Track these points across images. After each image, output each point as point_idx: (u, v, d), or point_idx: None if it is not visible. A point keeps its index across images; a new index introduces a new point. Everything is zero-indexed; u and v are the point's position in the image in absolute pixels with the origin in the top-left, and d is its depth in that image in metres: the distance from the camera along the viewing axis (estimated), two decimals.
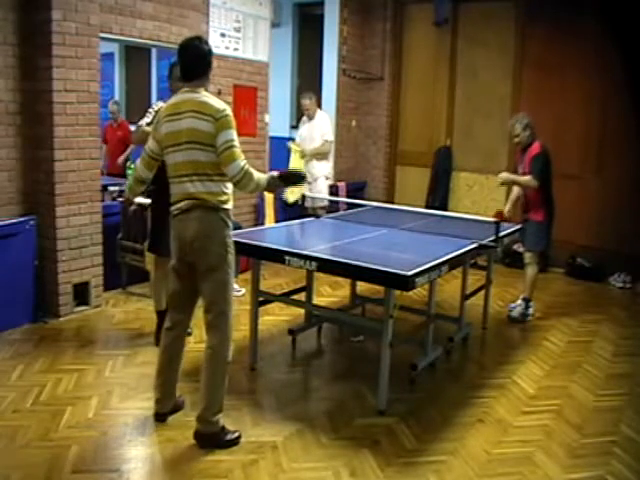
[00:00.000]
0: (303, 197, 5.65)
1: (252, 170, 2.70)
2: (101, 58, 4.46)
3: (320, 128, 5.91)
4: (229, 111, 2.66)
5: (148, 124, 3.64)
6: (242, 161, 2.65)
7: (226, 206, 2.73)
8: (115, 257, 4.88)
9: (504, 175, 4.73)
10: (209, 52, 2.76)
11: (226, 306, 2.75)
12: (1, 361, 3.57)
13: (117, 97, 8.34)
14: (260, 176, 2.76)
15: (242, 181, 2.67)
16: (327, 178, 6.06)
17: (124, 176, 6.17)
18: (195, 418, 2.77)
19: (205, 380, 2.76)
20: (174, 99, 2.77)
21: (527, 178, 4.53)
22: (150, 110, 3.76)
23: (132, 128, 7.72)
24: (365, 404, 3.26)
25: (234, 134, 2.65)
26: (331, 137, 5.98)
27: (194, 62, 2.73)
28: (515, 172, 4.89)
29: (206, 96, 2.69)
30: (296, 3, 7.93)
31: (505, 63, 6.60)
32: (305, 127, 6.01)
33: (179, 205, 2.72)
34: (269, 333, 4.21)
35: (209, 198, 2.67)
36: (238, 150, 2.65)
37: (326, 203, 5.77)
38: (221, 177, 2.69)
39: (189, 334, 3.74)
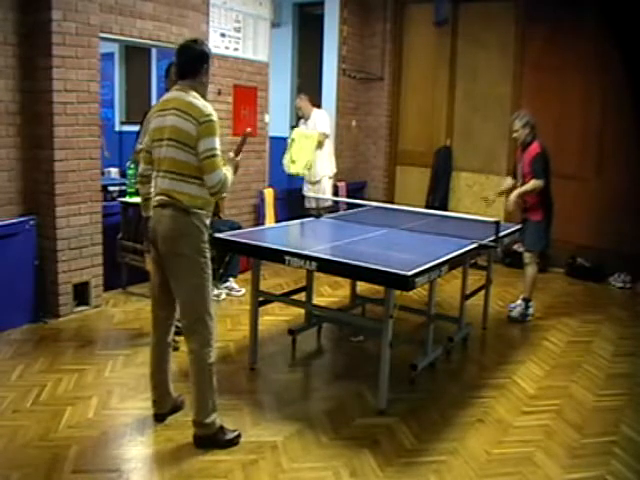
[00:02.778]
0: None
1: (227, 174, 2.68)
2: (101, 58, 4.46)
3: (315, 125, 5.92)
4: (214, 117, 2.62)
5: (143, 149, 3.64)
6: (222, 171, 2.62)
7: (201, 211, 2.68)
8: (115, 257, 4.88)
9: (512, 198, 4.65)
10: (204, 54, 2.75)
11: (203, 311, 2.72)
12: (1, 361, 3.58)
13: (117, 97, 8.34)
14: (230, 174, 2.73)
15: (218, 192, 2.65)
16: (330, 178, 6.07)
17: (102, 174, 6.17)
18: (191, 422, 2.77)
19: (192, 385, 2.76)
20: (165, 96, 2.79)
21: (532, 183, 4.52)
22: (145, 129, 3.71)
23: (125, 129, 7.76)
24: (365, 404, 3.26)
25: (217, 141, 2.62)
26: (325, 129, 5.95)
27: (187, 62, 2.73)
28: (514, 171, 4.89)
29: (194, 97, 2.66)
30: (296, 3, 7.93)
31: (505, 63, 6.60)
32: (302, 128, 6.04)
33: (157, 198, 2.73)
34: (269, 333, 4.21)
35: (181, 199, 2.64)
36: (219, 159, 2.63)
37: (330, 203, 5.78)
38: (197, 180, 2.65)
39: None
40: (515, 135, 4.66)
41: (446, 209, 6.71)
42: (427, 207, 6.54)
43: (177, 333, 3.09)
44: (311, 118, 5.96)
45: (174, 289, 2.75)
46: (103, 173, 6.28)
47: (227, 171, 2.71)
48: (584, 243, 6.15)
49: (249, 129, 3.23)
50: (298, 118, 6.38)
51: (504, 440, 2.95)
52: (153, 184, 2.81)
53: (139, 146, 3.71)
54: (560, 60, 6.21)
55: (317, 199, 5.73)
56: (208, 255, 2.76)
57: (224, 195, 2.78)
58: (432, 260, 3.10)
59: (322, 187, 5.96)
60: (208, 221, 2.76)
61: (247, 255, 4.31)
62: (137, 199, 4.83)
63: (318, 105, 6.51)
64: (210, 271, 2.77)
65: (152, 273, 2.89)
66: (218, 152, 2.62)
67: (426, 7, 6.89)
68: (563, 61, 6.19)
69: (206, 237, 2.74)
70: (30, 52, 4.09)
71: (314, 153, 5.86)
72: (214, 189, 2.63)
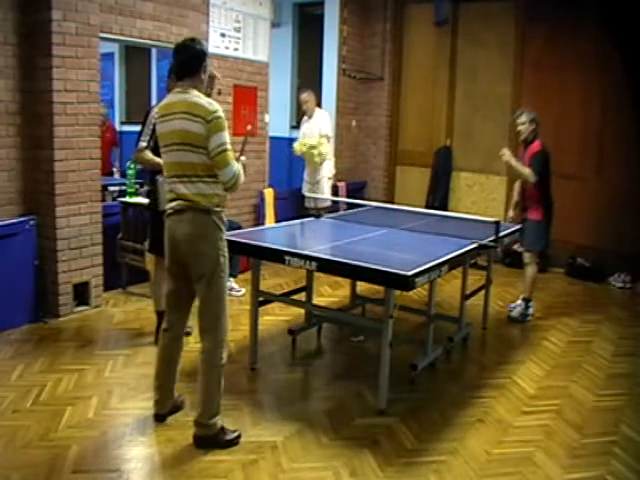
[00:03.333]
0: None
1: (241, 170, 2.70)
2: (101, 58, 4.46)
3: (318, 124, 5.91)
4: (220, 112, 2.63)
5: (146, 147, 3.65)
6: (235, 165, 2.64)
7: (218, 208, 2.71)
8: (115, 257, 4.88)
9: (507, 154, 4.62)
10: (202, 52, 2.75)
11: (219, 310, 2.73)
12: (1, 361, 3.58)
13: (117, 97, 8.35)
14: (242, 172, 2.74)
15: (234, 186, 2.67)
16: (329, 178, 6.07)
17: (111, 174, 6.18)
18: (193, 422, 2.77)
19: (200, 385, 2.76)
20: (167, 99, 2.77)
21: (527, 171, 4.53)
22: (147, 128, 3.72)
23: (125, 129, 7.77)
24: (365, 404, 3.26)
25: (226, 136, 2.62)
26: (328, 132, 5.96)
27: (186, 61, 2.73)
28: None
29: (198, 96, 2.66)
30: (296, 3, 7.92)
31: (505, 63, 6.60)
32: (305, 126, 6.03)
33: (172, 205, 2.72)
34: (269, 333, 4.21)
35: (200, 200, 2.65)
36: (231, 153, 2.64)
37: (329, 204, 5.78)
38: (213, 179, 2.67)
39: (189, 334, 3.75)
40: (520, 128, 4.64)
41: (446, 209, 6.71)
42: (427, 207, 6.54)
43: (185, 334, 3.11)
44: (314, 117, 5.95)
45: (196, 289, 2.75)
46: (112, 173, 6.29)
47: (242, 174, 2.72)
48: (584, 243, 6.15)
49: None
50: (301, 115, 6.36)
51: (504, 440, 2.95)
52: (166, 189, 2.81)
53: (142, 144, 3.71)
54: (560, 60, 6.21)
55: (315, 199, 5.73)
56: (227, 255, 2.76)
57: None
58: (432, 260, 3.10)
59: (321, 187, 5.96)
60: (225, 218, 2.77)
61: (247, 255, 4.31)
62: (137, 199, 4.86)
63: (319, 105, 6.50)
64: (227, 271, 2.78)
65: (168, 281, 2.89)
66: (229, 146, 2.63)
67: (426, 7, 6.89)
68: (563, 61, 6.19)
69: (224, 235, 2.76)
70: (30, 52, 4.09)
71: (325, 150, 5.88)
72: (229, 184, 2.65)
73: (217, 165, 2.62)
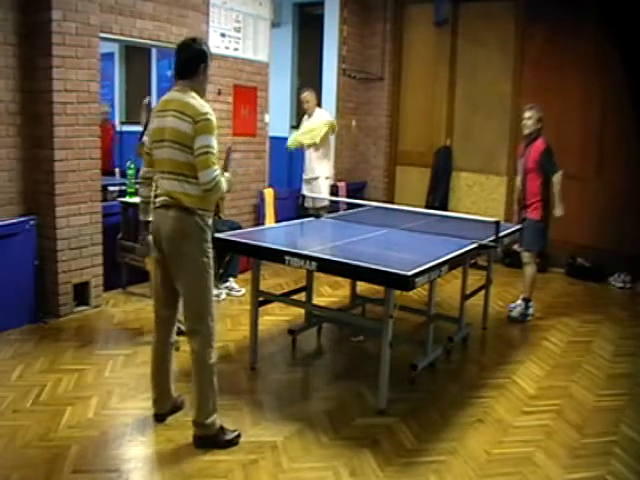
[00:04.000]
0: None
1: (221, 178, 2.65)
2: (101, 58, 4.46)
3: (318, 122, 5.91)
4: (210, 115, 2.61)
5: None
6: (215, 170, 2.60)
7: (201, 211, 2.68)
8: (115, 257, 4.88)
9: (559, 211, 4.63)
10: (202, 52, 2.72)
11: (204, 311, 2.73)
12: (1, 361, 3.58)
13: (117, 97, 8.35)
14: (224, 183, 2.71)
15: (211, 190, 2.62)
16: (327, 178, 6.06)
17: (112, 174, 6.17)
18: (191, 422, 2.78)
19: (194, 385, 2.77)
20: (165, 96, 2.77)
21: (556, 181, 4.54)
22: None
23: (125, 129, 7.77)
24: (365, 404, 3.26)
25: (212, 139, 2.60)
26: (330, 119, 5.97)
27: (185, 61, 2.72)
28: (514, 168, 4.88)
29: (192, 97, 2.65)
30: (296, 3, 7.92)
31: (505, 63, 6.60)
32: (305, 125, 6.02)
33: (160, 199, 2.73)
34: (269, 333, 4.21)
35: (184, 199, 2.65)
36: (214, 157, 2.60)
37: (327, 203, 5.78)
38: (197, 180, 2.64)
39: (183, 333, 3.73)
40: (527, 122, 4.64)
41: (446, 209, 6.71)
42: (427, 207, 6.54)
43: (179, 333, 3.09)
44: (314, 117, 5.96)
45: (178, 289, 2.76)
46: (113, 173, 6.26)
47: (223, 177, 2.70)
48: (584, 243, 6.15)
49: (229, 144, 3.26)
50: (301, 114, 6.36)
51: (504, 440, 2.95)
52: (155, 186, 2.82)
53: (145, 139, 3.71)
54: (560, 60, 6.21)
55: (314, 199, 5.72)
56: (211, 256, 2.76)
57: (223, 195, 2.79)
58: (432, 260, 3.10)
59: (318, 187, 5.95)
60: (210, 221, 2.76)
61: (247, 255, 4.31)
62: (137, 199, 4.85)
63: (319, 105, 6.50)
64: (212, 272, 2.78)
65: (155, 273, 2.90)
66: (213, 150, 2.60)
67: (426, 7, 6.89)
68: (563, 61, 6.19)
69: (209, 237, 2.75)
70: (30, 52, 4.09)
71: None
72: (207, 186, 2.61)
73: (198, 166, 2.59)
